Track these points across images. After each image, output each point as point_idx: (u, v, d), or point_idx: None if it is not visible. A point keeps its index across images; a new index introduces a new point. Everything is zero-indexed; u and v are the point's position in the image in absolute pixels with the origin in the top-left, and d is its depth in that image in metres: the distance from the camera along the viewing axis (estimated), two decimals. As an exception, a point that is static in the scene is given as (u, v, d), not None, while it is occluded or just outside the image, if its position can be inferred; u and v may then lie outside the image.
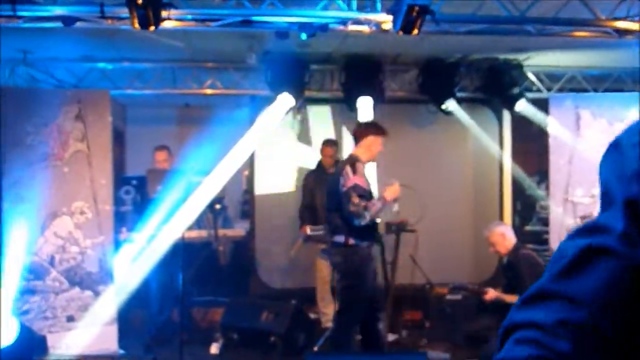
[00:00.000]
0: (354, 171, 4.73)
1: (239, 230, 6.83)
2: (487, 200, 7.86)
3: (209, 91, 6.88)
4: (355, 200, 4.65)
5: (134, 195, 6.60)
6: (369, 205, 4.67)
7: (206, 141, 6.34)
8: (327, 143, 6.89)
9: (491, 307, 5.93)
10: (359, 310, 4.89)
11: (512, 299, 5.66)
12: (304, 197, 6.91)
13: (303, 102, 6.79)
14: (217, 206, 6.22)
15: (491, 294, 5.68)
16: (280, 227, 7.57)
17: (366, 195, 4.74)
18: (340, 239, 4.87)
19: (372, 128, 5.03)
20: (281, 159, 7.65)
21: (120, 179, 6.72)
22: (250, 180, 7.68)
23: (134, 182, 6.66)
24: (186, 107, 8.37)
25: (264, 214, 7.63)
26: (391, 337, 5.91)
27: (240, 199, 7.95)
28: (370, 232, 4.91)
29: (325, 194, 6.49)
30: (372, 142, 4.96)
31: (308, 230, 6.43)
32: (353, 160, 4.86)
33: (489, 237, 5.85)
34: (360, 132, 5.05)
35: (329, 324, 6.37)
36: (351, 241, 4.80)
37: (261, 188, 7.66)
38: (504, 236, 5.83)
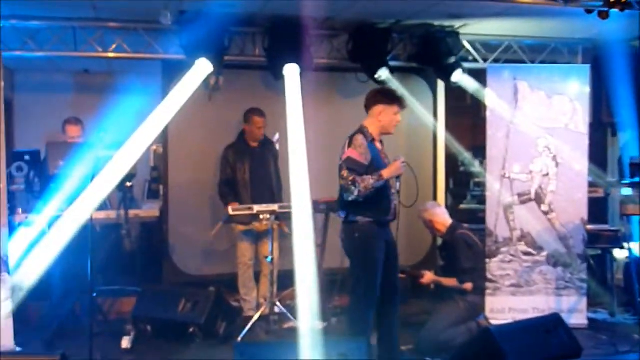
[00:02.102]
0: (350, 144, 4.85)
1: (152, 210, 6.72)
2: (421, 177, 7.67)
3: (114, 55, 6.64)
4: (344, 173, 4.77)
5: (26, 172, 6.38)
6: (359, 180, 4.74)
7: (112, 112, 6.26)
8: (255, 112, 6.79)
9: (427, 291, 6.20)
10: (366, 295, 4.89)
11: (449, 282, 5.94)
12: (222, 172, 6.81)
13: (222, 69, 6.63)
14: (128, 184, 6.07)
15: (428, 277, 5.95)
16: (196, 207, 7.49)
17: (359, 169, 4.79)
18: (342, 214, 4.98)
19: (381, 96, 5.04)
20: (198, 132, 7.51)
21: (10, 154, 6.41)
22: (164, 156, 7.55)
23: (27, 157, 6.45)
24: (85, 73, 8.12)
25: (179, 192, 7.50)
26: (319, 325, 6.00)
27: (148, 177, 7.79)
28: (377, 208, 4.92)
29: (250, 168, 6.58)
30: (382, 111, 4.96)
31: (230, 209, 6.40)
32: (355, 133, 4.93)
33: (424, 217, 6.12)
34: (368, 100, 5.04)
35: (252, 312, 6.51)
36: (352, 217, 4.89)
37: (175, 164, 7.53)
38: (440, 216, 6.11)
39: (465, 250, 5.89)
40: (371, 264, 4.89)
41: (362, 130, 4.94)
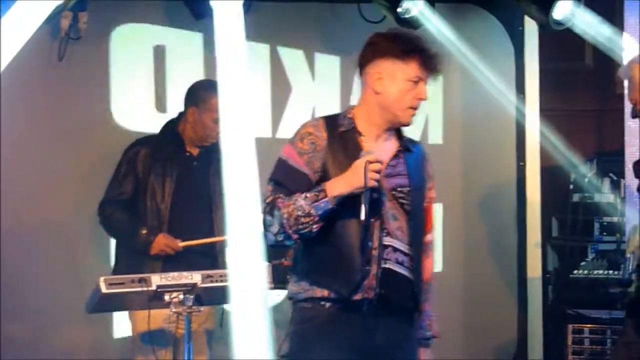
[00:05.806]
0: (296, 133, 4.49)
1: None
2: (493, 199, 7.66)
3: None
4: (268, 190, 4.43)
5: None
6: (280, 203, 4.25)
7: None
8: (213, 90, 6.07)
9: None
10: None
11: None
12: (113, 188, 5.90)
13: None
14: None
15: None
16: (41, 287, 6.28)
17: (290, 183, 4.36)
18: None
19: (385, 42, 4.50)
20: (35, 126, 6.46)
21: None
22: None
23: None
24: None
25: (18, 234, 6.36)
26: None
27: None
28: (332, 271, 4.30)
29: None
30: (383, 73, 4.37)
31: (102, 283, 5.13)
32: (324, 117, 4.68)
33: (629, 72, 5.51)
34: (362, 54, 4.60)
35: None
36: (291, 287, 4.56)
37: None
38: None
39: None
40: None
41: (338, 115, 4.55)
